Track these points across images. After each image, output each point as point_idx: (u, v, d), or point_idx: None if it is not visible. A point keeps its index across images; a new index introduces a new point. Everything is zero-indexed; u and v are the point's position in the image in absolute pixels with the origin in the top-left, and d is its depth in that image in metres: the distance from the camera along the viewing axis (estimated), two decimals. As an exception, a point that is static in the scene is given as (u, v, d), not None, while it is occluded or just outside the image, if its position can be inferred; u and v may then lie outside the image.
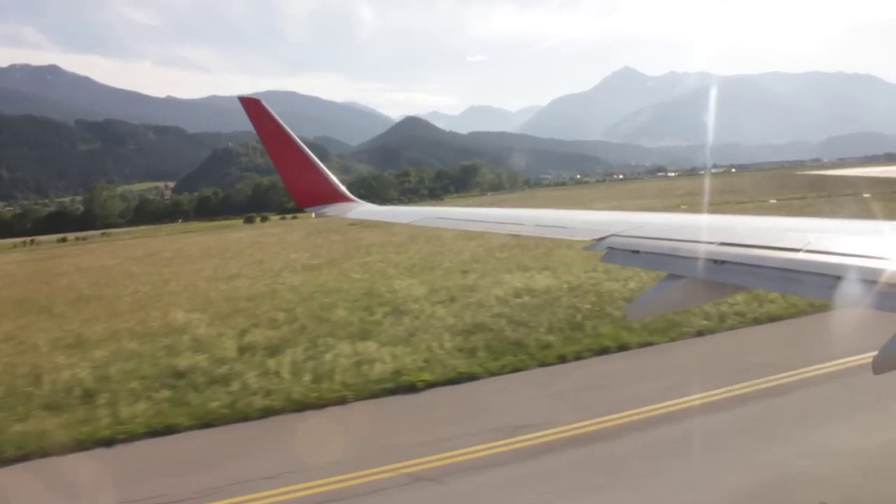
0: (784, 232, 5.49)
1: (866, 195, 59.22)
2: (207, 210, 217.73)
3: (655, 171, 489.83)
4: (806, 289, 4.32)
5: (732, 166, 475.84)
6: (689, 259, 5.33)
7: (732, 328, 17.80)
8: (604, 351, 16.39)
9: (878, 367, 3.64)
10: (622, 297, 21.48)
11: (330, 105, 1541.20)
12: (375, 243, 51.48)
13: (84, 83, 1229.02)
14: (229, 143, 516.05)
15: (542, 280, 26.13)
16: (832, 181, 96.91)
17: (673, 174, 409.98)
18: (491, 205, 61.06)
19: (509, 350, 16.67)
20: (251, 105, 11.37)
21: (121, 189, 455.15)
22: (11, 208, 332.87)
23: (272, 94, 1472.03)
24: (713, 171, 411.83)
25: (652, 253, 5.75)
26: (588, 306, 20.82)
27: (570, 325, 18.67)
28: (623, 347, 16.54)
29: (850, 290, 4.00)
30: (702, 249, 5.37)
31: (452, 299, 23.67)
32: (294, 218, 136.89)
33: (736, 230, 5.88)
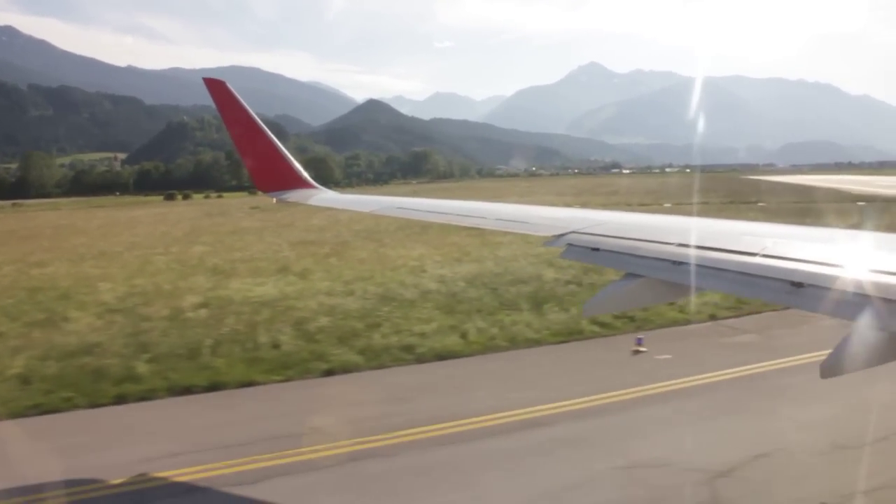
0: (740, 236, 5.52)
1: (762, 204, 61.58)
2: (147, 184, 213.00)
3: (611, 168, 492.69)
4: (762, 293, 4.37)
5: (688, 167, 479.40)
6: (648, 259, 5.39)
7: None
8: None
9: (826, 371, 3.68)
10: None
11: (294, 83, 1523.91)
12: (251, 228, 51.65)
13: (41, 47, 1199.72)
14: (184, 117, 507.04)
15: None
16: (757, 187, 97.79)
17: (627, 171, 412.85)
18: (414, 193, 60.76)
19: None
20: (215, 86, 11.07)
21: (70, 158, 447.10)
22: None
23: (236, 70, 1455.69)
24: (667, 170, 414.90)
25: (611, 251, 5.84)
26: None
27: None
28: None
29: (805, 296, 4.06)
30: (660, 250, 5.43)
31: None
32: (219, 197, 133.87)
33: (695, 232, 5.90)
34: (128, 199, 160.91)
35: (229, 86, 11.08)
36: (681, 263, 5.04)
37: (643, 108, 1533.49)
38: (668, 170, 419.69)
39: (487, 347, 16.20)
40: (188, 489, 9.27)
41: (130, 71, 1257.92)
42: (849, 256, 4.46)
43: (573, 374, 14.35)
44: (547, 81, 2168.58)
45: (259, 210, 74.33)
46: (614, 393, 12.58)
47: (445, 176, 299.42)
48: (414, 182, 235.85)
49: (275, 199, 12.41)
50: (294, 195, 11.77)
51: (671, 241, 5.54)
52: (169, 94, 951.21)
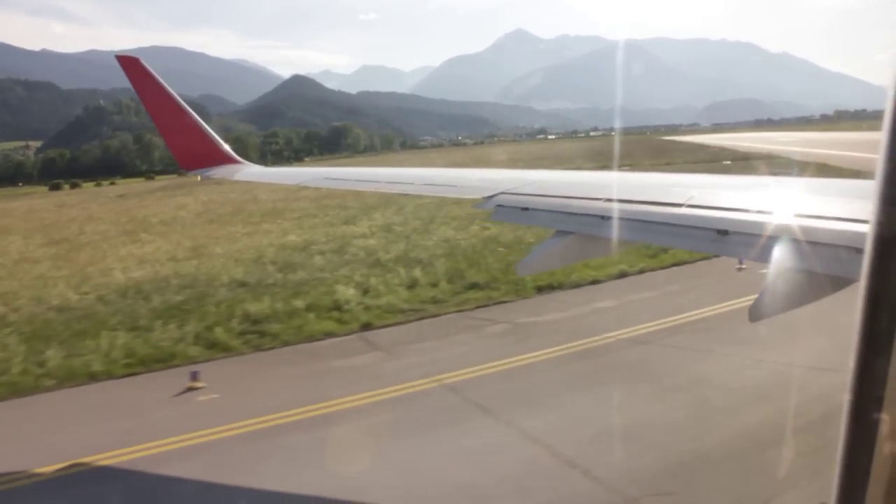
0: (668, 188, 5.55)
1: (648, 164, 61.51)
2: (54, 173, 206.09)
3: (536, 134, 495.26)
4: (688, 242, 4.45)
5: (612, 130, 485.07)
6: (577, 216, 5.43)
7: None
8: None
9: (754, 315, 3.66)
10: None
11: (217, 62, 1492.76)
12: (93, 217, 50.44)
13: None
14: (101, 101, 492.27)
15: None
16: (659, 147, 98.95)
17: (552, 137, 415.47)
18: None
19: None
20: (130, 64, 10.80)
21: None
22: None
23: (156, 50, 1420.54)
24: (592, 134, 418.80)
25: (540, 210, 5.89)
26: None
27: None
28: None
29: (731, 242, 4.12)
30: (589, 206, 5.47)
31: None
32: (112, 184, 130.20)
33: (623, 186, 5.94)
34: (4, 191, 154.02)
35: (144, 63, 10.80)
36: (609, 218, 5.07)
37: (570, 73, 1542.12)
38: (592, 133, 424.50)
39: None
40: None
41: (45, 55, 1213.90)
42: (770, 203, 4.44)
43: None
44: (474, 50, 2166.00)
45: (122, 199, 71.89)
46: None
47: (367, 150, 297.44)
48: (311, 159, 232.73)
49: (199, 177, 12.41)
50: (219, 171, 11.67)
51: (599, 197, 5.55)
52: (87, 77, 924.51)
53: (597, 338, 13.69)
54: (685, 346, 13.00)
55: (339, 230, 31.55)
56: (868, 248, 1.20)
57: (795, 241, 3.72)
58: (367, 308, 16.70)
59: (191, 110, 11.37)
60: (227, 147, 12.02)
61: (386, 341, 14.72)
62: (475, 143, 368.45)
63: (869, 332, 1.25)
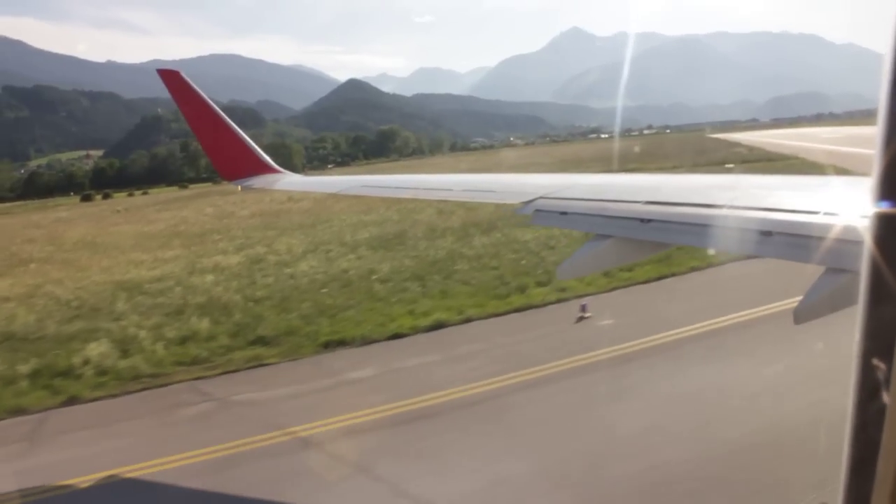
0: (708, 189, 5.55)
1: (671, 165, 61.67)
2: (103, 182, 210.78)
3: (589, 133, 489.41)
4: (731, 244, 4.49)
5: (667, 127, 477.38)
6: (616, 219, 5.43)
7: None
8: None
9: (800, 316, 3.69)
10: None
11: (275, 68, 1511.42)
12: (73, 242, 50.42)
13: (17, 47, 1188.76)
14: (158, 110, 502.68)
15: None
16: (699, 146, 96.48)
17: (604, 136, 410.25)
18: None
19: None
20: (170, 77, 11.03)
21: (48, 159, 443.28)
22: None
23: (215, 58, 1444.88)
24: (645, 132, 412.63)
25: (579, 213, 5.92)
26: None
27: None
28: None
29: (774, 243, 4.08)
30: (628, 209, 5.46)
31: None
32: (144, 193, 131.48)
33: (662, 189, 5.97)
34: (40, 202, 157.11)
35: (184, 76, 11.03)
36: (649, 221, 5.07)
37: (628, 70, 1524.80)
38: (646, 132, 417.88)
39: None
40: None
41: (110, 66, 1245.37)
42: (814, 203, 4.37)
43: None
44: (530, 49, 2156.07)
45: (118, 213, 73.05)
46: None
47: (415, 153, 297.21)
48: (357, 164, 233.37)
49: (239, 187, 12.38)
50: (258, 181, 11.76)
51: (639, 200, 5.54)
52: (149, 87, 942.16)
53: (277, 433, 11.95)
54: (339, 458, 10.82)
55: (209, 261, 30.54)
56: (867, 240, 1.20)
57: (838, 241, 3.69)
58: (101, 373, 15.43)
59: (230, 121, 11.36)
60: (266, 157, 12.00)
61: (51, 426, 13.26)
62: (526, 144, 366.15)
63: (871, 327, 1.24)
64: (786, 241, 4.05)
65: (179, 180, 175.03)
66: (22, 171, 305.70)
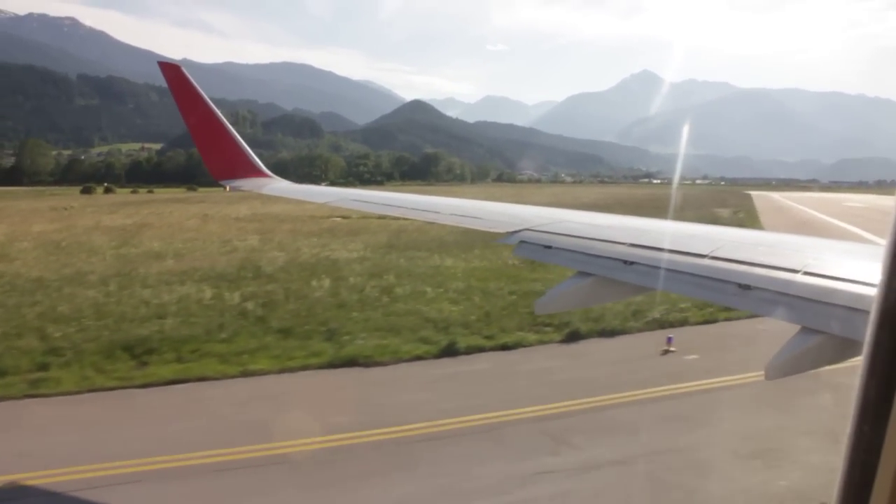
0: (691, 238, 5.66)
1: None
2: (138, 176, 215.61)
3: (641, 178, 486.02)
4: (710, 294, 4.48)
5: (722, 179, 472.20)
6: (600, 258, 5.49)
7: None
8: None
9: (770, 373, 3.76)
10: None
11: (344, 81, 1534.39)
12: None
13: (100, 38, 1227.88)
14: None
15: None
16: (724, 201, 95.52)
17: (656, 182, 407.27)
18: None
19: None
20: (171, 71, 11.21)
21: (108, 147, 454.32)
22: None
23: (287, 66, 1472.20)
24: (698, 182, 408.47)
25: (564, 249, 5.94)
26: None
27: None
28: None
29: (752, 298, 4.16)
30: (613, 249, 5.54)
31: None
32: (149, 192, 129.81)
33: (647, 233, 6.06)
34: (39, 189, 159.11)
35: (184, 70, 11.11)
36: (632, 263, 5.15)
37: (694, 118, 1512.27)
38: (698, 181, 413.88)
39: None
40: None
41: (185, 63, 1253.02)
42: (797, 261, 4.45)
43: None
44: (599, 88, 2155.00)
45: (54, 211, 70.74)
46: None
47: (458, 179, 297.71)
48: (391, 183, 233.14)
49: (228, 188, 12.57)
50: (247, 184, 11.93)
51: (623, 241, 5.63)
52: (219, 87, 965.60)
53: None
54: None
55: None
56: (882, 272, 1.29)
57: (816, 302, 3.75)
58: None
59: (226, 122, 11.43)
60: (258, 161, 12.16)
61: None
62: (573, 182, 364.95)
63: (879, 337, 1.29)
64: (763, 297, 4.11)
65: (210, 182, 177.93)
66: (83, 158, 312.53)
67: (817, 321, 3.70)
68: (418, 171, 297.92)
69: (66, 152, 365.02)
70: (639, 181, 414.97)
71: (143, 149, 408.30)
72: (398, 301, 21.97)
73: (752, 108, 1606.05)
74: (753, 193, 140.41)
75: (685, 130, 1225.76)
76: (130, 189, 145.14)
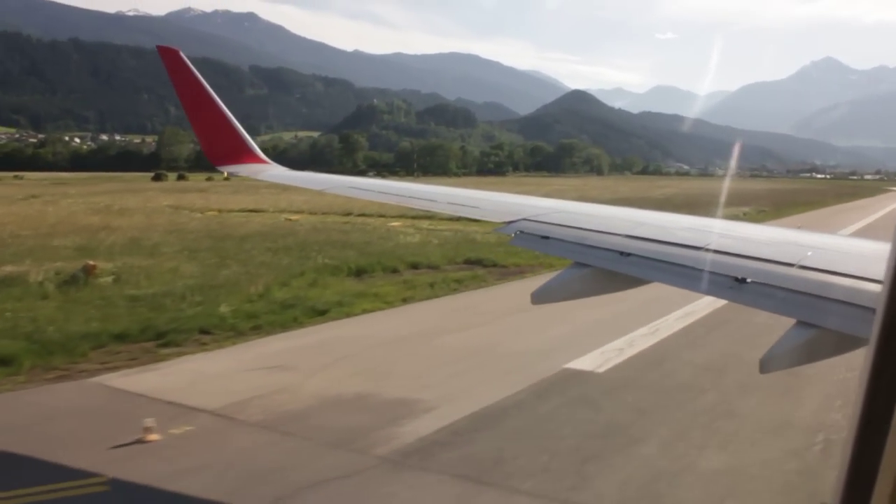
0: (688, 230, 5.79)
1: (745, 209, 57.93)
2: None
3: (800, 173, 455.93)
4: (705, 286, 4.50)
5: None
6: (597, 249, 5.53)
7: None
8: None
9: (765, 366, 3.78)
10: None
11: (510, 71, 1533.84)
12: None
13: (277, 32, 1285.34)
14: (374, 100, 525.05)
15: None
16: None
17: (820, 176, 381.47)
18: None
19: None
20: (168, 55, 11.24)
21: (271, 136, 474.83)
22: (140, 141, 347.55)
23: (454, 56, 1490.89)
24: (867, 177, 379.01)
25: (560, 240, 5.98)
26: None
27: None
28: None
29: (747, 291, 4.17)
30: (609, 241, 5.59)
31: None
32: (209, 179, 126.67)
33: (645, 225, 6.06)
34: (108, 175, 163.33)
35: (182, 55, 10.99)
36: (628, 255, 5.17)
37: (884, 108, 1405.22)
38: (867, 177, 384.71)
39: None
40: None
41: (356, 55, 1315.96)
42: (793, 255, 4.45)
43: None
44: (775, 77, 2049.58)
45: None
46: None
47: (595, 171, 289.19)
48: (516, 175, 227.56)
49: (226, 173, 12.73)
50: (244, 169, 12.04)
51: (621, 233, 5.69)
52: (386, 77, 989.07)
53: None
54: None
55: None
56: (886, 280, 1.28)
57: (812, 296, 3.78)
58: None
59: (224, 106, 11.24)
60: (255, 146, 12.00)
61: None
62: (735, 175, 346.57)
63: (882, 339, 1.26)
64: (758, 290, 4.12)
65: (332, 170, 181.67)
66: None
67: (812, 315, 3.71)
68: (553, 161, 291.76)
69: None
70: (799, 176, 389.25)
71: (296, 137, 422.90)
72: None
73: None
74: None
75: (871, 121, 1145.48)
76: (206, 177, 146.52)
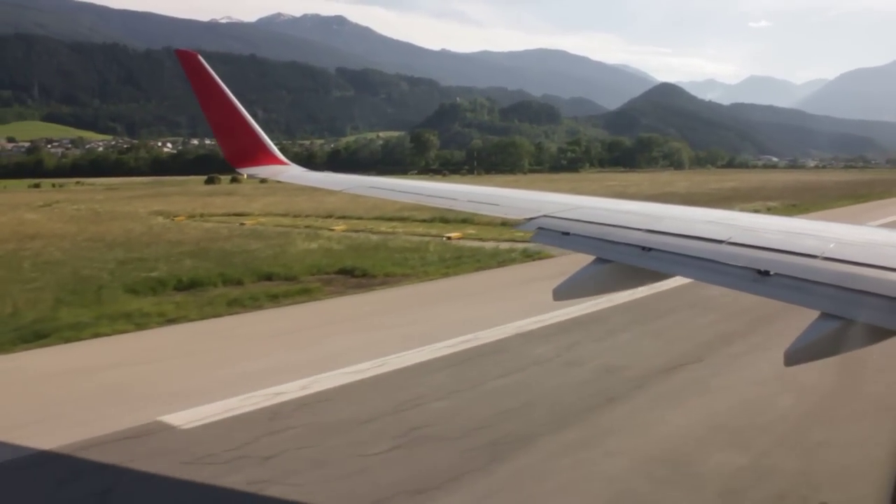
0: (709, 224, 5.64)
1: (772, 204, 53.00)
2: (337, 164, 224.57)
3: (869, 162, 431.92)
4: (728, 280, 4.49)
5: None
6: (618, 244, 5.47)
7: None
8: None
9: (790, 359, 3.80)
10: None
11: (599, 66, 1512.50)
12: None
13: (364, 33, 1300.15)
14: (457, 99, 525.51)
15: None
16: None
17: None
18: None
19: None
20: (186, 58, 10.94)
21: (355, 137, 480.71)
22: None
23: (541, 52, 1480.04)
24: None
25: (581, 236, 5.94)
26: None
27: None
28: None
29: (771, 284, 4.20)
30: (630, 236, 5.50)
31: None
32: (240, 181, 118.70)
33: (665, 219, 6.06)
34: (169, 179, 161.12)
35: (201, 58, 10.80)
36: (650, 249, 5.16)
37: None
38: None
39: None
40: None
41: (443, 54, 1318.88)
42: (817, 246, 4.45)
43: None
44: (878, 62, 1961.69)
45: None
46: None
47: (676, 165, 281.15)
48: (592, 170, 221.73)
49: (245, 175, 12.48)
50: (264, 171, 11.55)
51: (641, 228, 5.66)
52: (472, 76, 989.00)
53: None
54: None
55: None
56: None
57: (836, 287, 3.82)
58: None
59: (242, 108, 10.98)
60: (274, 147, 11.48)
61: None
62: (825, 167, 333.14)
63: None
64: (782, 283, 4.16)
65: (401, 171, 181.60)
66: (332, 146, 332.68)
67: (837, 307, 3.76)
68: (631, 157, 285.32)
69: (319, 141, 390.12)
70: (872, 164, 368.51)
71: (377, 137, 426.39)
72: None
73: None
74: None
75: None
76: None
